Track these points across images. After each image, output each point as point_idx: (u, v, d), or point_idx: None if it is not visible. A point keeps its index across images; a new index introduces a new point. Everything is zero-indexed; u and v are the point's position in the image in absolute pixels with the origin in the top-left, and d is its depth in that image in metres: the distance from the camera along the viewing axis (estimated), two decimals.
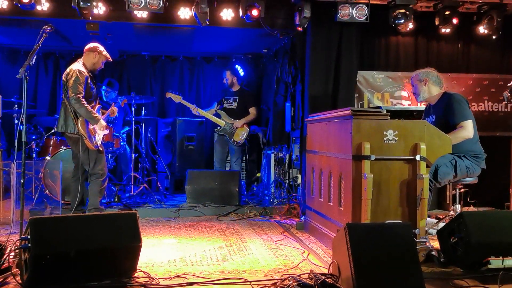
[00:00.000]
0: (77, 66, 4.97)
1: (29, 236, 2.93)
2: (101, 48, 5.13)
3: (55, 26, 5.67)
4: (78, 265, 2.99)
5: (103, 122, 5.05)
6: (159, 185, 7.00)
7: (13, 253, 3.21)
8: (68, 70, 4.94)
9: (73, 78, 4.82)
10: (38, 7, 5.15)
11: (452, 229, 3.62)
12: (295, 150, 6.44)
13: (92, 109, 4.94)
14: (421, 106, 5.22)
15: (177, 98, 6.77)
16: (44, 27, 3.83)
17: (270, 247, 4.34)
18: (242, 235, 4.84)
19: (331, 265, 3.25)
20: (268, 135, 7.60)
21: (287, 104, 6.71)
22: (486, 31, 5.98)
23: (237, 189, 6.20)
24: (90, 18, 5.34)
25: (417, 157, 3.77)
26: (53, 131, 6.18)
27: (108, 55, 5.18)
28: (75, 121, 4.86)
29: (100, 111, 5.20)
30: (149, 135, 7.21)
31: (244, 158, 7.49)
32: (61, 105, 5.00)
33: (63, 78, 4.92)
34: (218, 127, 6.96)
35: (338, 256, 3.18)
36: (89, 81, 4.99)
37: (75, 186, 5.10)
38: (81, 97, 4.82)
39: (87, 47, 5.12)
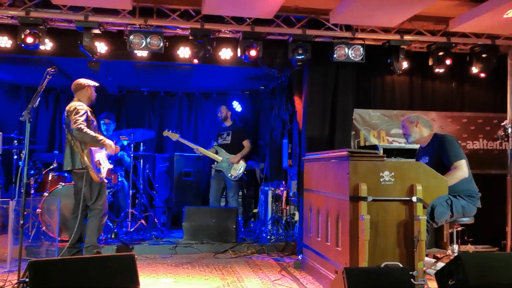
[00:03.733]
0: (75, 102, 5.07)
1: (27, 279, 2.92)
2: (85, 80, 5.22)
3: (57, 64, 5.81)
4: None
5: (109, 141, 5.11)
6: (156, 221, 6.99)
7: None
8: (68, 106, 5.03)
9: (73, 112, 4.91)
10: (42, 47, 5.24)
11: (450, 271, 3.62)
12: (292, 186, 6.47)
13: (96, 134, 4.99)
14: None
15: (174, 137, 6.85)
16: (48, 69, 3.91)
17: (268, 287, 4.33)
18: (240, 274, 4.82)
19: None
20: (265, 171, 7.65)
21: (284, 141, 6.78)
22: (479, 71, 6.12)
23: (234, 226, 6.19)
24: (94, 57, 5.45)
25: (414, 199, 3.81)
26: (51, 167, 6.21)
27: (94, 82, 5.29)
28: (81, 154, 4.90)
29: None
30: (147, 171, 7.24)
31: (241, 193, 7.51)
32: (65, 144, 5.04)
33: (65, 115, 4.99)
34: (216, 163, 7.01)
35: None
36: (89, 114, 5.07)
37: (74, 223, 5.07)
38: (83, 126, 4.87)
39: (74, 86, 5.19)
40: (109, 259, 3.32)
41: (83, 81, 5.21)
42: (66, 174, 6.00)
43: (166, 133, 6.92)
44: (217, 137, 7.22)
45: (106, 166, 5.15)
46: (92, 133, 4.94)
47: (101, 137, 5.05)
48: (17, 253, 3.80)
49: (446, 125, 6.36)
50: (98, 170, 4.98)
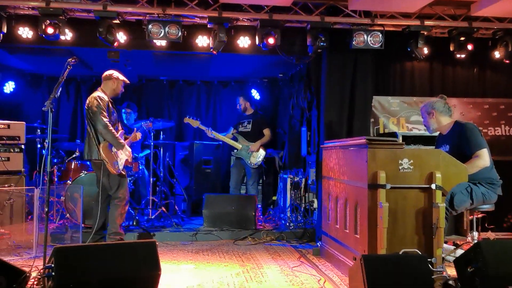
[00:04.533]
0: (97, 93, 5.11)
1: (52, 265, 3.02)
2: (117, 73, 5.26)
3: (77, 54, 5.89)
4: None
5: (128, 148, 5.22)
6: (177, 208, 7.09)
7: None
8: (89, 98, 5.08)
9: (94, 105, 4.96)
10: (62, 37, 5.35)
11: (469, 258, 3.61)
12: (311, 174, 6.48)
13: (118, 135, 5.08)
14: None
15: (195, 123, 6.88)
16: (69, 60, 3.96)
17: (287, 273, 4.37)
18: (259, 260, 4.88)
19: None
20: (284, 159, 7.66)
21: (302, 129, 6.78)
22: (501, 56, 6.01)
23: (253, 214, 6.25)
24: (113, 46, 5.52)
25: (433, 186, 3.79)
26: (74, 155, 6.34)
27: (125, 78, 5.32)
28: (98, 147, 4.99)
29: (123, 137, 5.32)
30: (167, 159, 7.32)
31: (260, 181, 7.55)
32: (86, 133, 5.14)
33: (86, 107, 5.06)
34: (235, 150, 7.05)
35: (354, 286, 3.20)
36: (110, 106, 5.13)
37: (97, 210, 5.17)
38: (107, 122, 4.95)
39: (104, 75, 5.26)
40: (131, 246, 3.39)
41: (113, 72, 5.25)
42: (88, 163, 6.13)
43: (187, 119, 6.94)
44: (238, 125, 7.24)
45: (123, 158, 5.23)
46: (115, 133, 5.02)
47: (122, 140, 5.12)
48: (42, 239, 3.92)
49: (467, 111, 6.28)
50: (115, 163, 5.05)
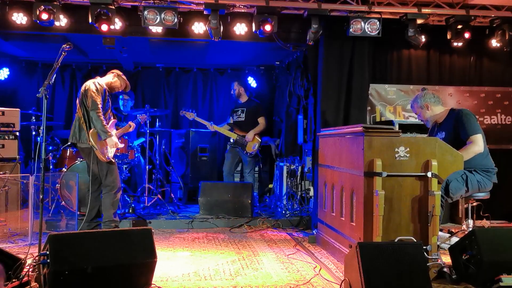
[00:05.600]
0: (96, 79, 5.14)
1: (48, 252, 3.01)
2: (123, 77, 5.38)
3: (72, 41, 5.83)
4: (95, 281, 3.07)
5: (114, 139, 5.09)
6: (173, 196, 7.09)
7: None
8: (87, 82, 5.08)
9: (92, 89, 4.95)
10: (57, 23, 5.28)
11: (464, 246, 3.64)
12: (307, 162, 6.49)
13: (106, 125, 5.03)
14: None
15: (190, 116, 6.93)
16: (63, 46, 3.92)
17: (282, 261, 4.39)
18: (255, 248, 4.89)
19: (343, 282, 3.29)
20: (280, 147, 7.66)
21: (299, 117, 6.76)
22: (498, 45, 5.99)
23: (249, 201, 6.26)
24: (107, 33, 5.46)
25: (429, 174, 3.79)
26: (69, 143, 6.30)
27: (127, 82, 5.41)
28: (87, 132, 4.96)
29: (115, 127, 5.28)
30: (163, 147, 7.31)
31: (257, 169, 7.56)
32: (75, 116, 5.11)
33: (82, 90, 5.03)
34: (231, 140, 7.04)
35: (350, 274, 3.21)
36: (106, 93, 5.12)
37: (90, 199, 5.16)
38: (99, 108, 4.93)
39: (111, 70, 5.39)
40: (127, 233, 3.39)
41: (121, 73, 5.38)
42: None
43: (182, 112, 7.01)
44: (232, 113, 7.23)
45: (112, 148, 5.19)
46: (104, 122, 4.96)
47: (109, 132, 5.01)
48: (37, 226, 3.91)
49: (463, 100, 6.28)
50: (104, 150, 5.01)
